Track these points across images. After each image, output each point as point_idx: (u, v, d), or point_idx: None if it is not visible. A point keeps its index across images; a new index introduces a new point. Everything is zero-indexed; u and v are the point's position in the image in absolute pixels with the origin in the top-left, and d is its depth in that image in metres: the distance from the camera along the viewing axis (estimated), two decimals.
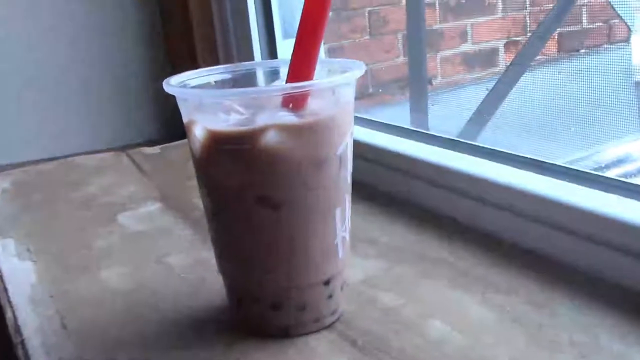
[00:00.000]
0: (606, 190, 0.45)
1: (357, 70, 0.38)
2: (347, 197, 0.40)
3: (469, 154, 0.57)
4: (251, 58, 0.84)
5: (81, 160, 0.83)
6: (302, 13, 0.37)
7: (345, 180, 0.39)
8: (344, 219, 0.39)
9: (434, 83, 1.45)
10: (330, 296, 0.40)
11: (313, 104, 0.37)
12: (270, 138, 0.36)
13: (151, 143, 0.91)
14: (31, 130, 0.99)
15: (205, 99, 0.39)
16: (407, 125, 0.68)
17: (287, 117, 0.36)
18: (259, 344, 0.39)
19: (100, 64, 1.02)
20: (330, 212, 0.38)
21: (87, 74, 1.02)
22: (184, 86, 0.41)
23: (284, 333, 0.39)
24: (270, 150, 0.36)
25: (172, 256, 0.52)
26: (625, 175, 1.13)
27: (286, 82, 0.38)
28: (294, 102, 0.37)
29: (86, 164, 0.81)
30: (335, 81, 0.38)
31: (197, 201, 0.57)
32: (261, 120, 0.36)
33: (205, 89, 0.42)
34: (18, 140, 0.98)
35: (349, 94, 0.39)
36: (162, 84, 0.39)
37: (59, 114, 1.01)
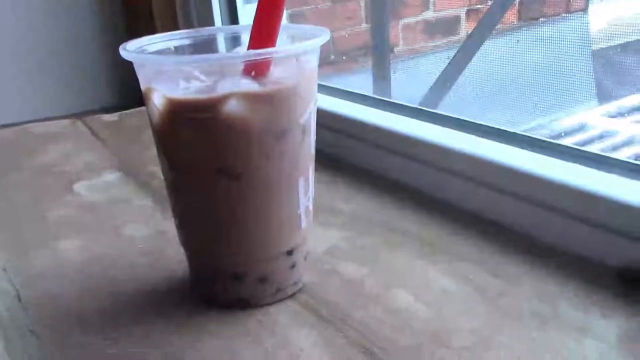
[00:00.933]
0: (566, 159, 0.46)
1: (322, 37, 0.37)
2: (311, 167, 0.39)
3: (432, 122, 0.57)
4: (211, 23, 0.82)
5: (37, 127, 0.80)
6: None
7: (308, 150, 0.38)
8: (307, 188, 0.39)
9: (395, 51, 1.44)
10: (292, 266, 0.39)
11: (276, 72, 0.36)
12: (232, 106, 0.35)
13: (108, 110, 0.88)
14: None
15: (165, 66, 0.38)
16: (369, 93, 0.67)
17: (249, 85, 0.36)
18: (220, 316, 0.38)
19: (56, 28, 0.99)
20: (293, 182, 0.38)
21: (43, 40, 0.98)
22: (142, 52, 0.39)
23: (245, 304, 0.39)
24: (232, 119, 0.35)
25: (131, 227, 0.51)
26: (582, 143, 1.16)
27: (248, 49, 0.37)
28: (256, 70, 0.36)
29: (42, 132, 0.78)
30: (299, 48, 0.37)
31: (156, 170, 0.56)
32: (222, 88, 0.35)
33: (164, 55, 0.40)
34: None
35: (313, 61, 0.38)
36: (118, 50, 0.38)
37: (14, 80, 0.98)
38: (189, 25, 0.86)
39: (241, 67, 0.36)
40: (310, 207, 0.40)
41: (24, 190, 0.61)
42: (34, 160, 0.68)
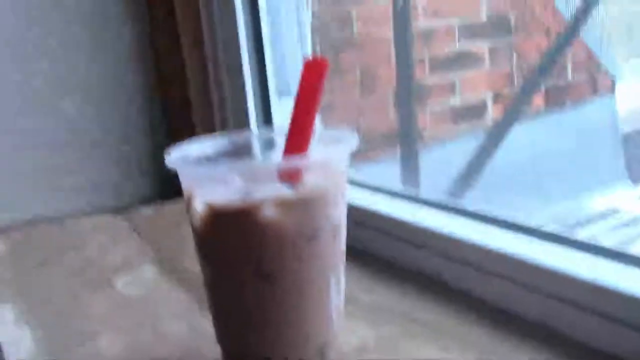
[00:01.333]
0: (586, 252, 0.46)
1: (351, 142, 0.39)
2: (342, 265, 0.41)
3: (458, 216, 0.58)
4: (246, 119, 0.85)
5: (77, 222, 0.83)
6: (298, 88, 0.39)
7: (339, 249, 0.40)
8: (338, 286, 0.40)
9: (423, 136, 1.47)
10: None
11: (308, 177, 0.39)
12: (268, 212, 0.37)
13: (147, 201, 0.91)
14: (28, 188, 0.99)
15: (204, 173, 0.40)
16: (398, 181, 0.69)
17: (284, 191, 0.38)
18: None
19: (98, 125, 1.03)
20: (326, 281, 0.39)
21: (84, 133, 1.02)
22: (184, 157, 0.42)
23: None
24: (268, 224, 0.37)
25: (168, 323, 0.52)
26: (613, 228, 1.15)
27: (284, 154, 0.40)
28: (290, 175, 0.38)
29: (80, 226, 0.81)
30: (329, 156, 0.39)
31: (193, 264, 0.58)
32: (259, 193, 0.38)
33: (204, 161, 0.43)
34: (15, 197, 0.98)
35: (343, 165, 0.40)
36: (155, 143, 0.40)
37: (50, 173, 1.01)
38: (224, 118, 0.90)
39: (276, 173, 0.38)
40: (342, 305, 0.41)
41: (67, 285, 0.63)
42: (75, 255, 0.70)
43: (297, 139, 0.39)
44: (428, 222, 0.57)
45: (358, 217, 0.62)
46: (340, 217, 0.40)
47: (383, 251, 0.61)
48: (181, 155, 0.42)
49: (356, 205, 0.63)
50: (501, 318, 0.47)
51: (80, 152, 1.03)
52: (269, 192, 0.37)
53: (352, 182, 0.70)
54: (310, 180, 0.39)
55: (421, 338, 0.46)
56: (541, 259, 0.47)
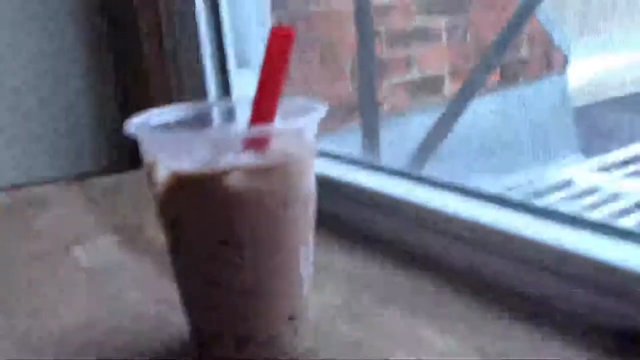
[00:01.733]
0: (554, 221, 0.47)
1: (319, 111, 0.39)
2: (311, 234, 0.40)
3: (420, 184, 0.58)
4: (205, 89, 0.84)
5: (32, 190, 0.81)
6: (265, 55, 0.38)
7: (309, 219, 0.40)
8: (307, 255, 0.40)
9: (381, 110, 1.48)
10: (294, 332, 0.40)
11: (276, 145, 0.38)
12: (233, 180, 0.36)
13: (103, 171, 0.89)
14: None
15: (170, 141, 0.39)
16: (359, 151, 0.69)
17: (250, 159, 0.37)
18: None
19: (54, 94, 1.00)
20: (295, 251, 0.39)
21: (37, 99, 1.00)
22: (145, 125, 0.41)
23: None
24: (234, 192, 0.36)
25: (129, 293, 0.52)
26: (568, 198, 1.18)
27: (250, 122, 0.39)
28: (257, 144, 0.38)
29: (37, 194, 0.79)
30: (299, 123, 0.39)
31: (154, 234, 0.57)
32: (225, 161, 0.37)
33: (166, 129, 0.42)
34: None
35: (311, 134, 0.40)
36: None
37: (8, 140, 0.98)
38: (181, 90, 0.88)
39: (242, 141, 0.38)
40: (311, 273, 0.41)
41: (21, 255, 0.61)
42: (30, 225, 0.69)
43: (264, 108, 0.39)
44: (393, 189, 0.58)
45: (326, 186, 0.62)
46: (309, 186, 0.39)
47: (351, 219, 0.61)
48: (142, 123, 0.41)
49: (323, 174, 0.63)
50: (479, 288, 0.47)
51: (37, 123, 1.00)
52: (236, 160, 0.37)
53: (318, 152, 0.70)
54: (278, 149, 0.38)
55: (392, 307, 0.47)
56: (504, 224, 0.48)
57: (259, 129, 0.37)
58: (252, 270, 0.37)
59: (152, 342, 0.44)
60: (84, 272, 0.57)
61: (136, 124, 0.40)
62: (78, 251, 0.61)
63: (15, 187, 0.84)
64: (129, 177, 0.84)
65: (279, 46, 0.38)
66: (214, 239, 0.37)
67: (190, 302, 0.40)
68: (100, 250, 0.61)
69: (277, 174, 0.37)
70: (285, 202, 0.37)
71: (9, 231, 0.68)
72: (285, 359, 0.40)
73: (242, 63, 0.87)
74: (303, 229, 0.39)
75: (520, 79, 1.60)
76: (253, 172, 0.36)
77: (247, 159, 0.37)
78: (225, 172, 0.36)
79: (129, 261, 0.58)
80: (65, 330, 0.47)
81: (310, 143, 0.39)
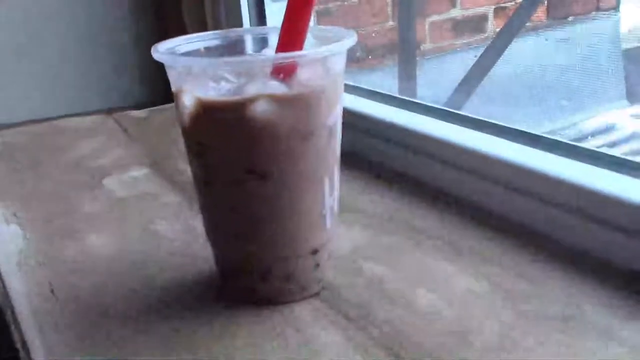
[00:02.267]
0: (594, 163, 0.46)
1: (348, 39, 0.38)
2: (336, 167, 0.40)
3: (457, 123, 0.57)
4: (240, 21, 0.83)
5: (68, 123, 0.82)
6: None
7: (334, 151, 0.39)
8: (332, 189, 0.39)
9: (422, 48, 1.44)
10: (317, 265, 0.40)
11: (303, 74, 0.37)
12: (260, 108, 0.36)
13: (138, 106, 0.90)
14: (19, 92, 0.98)
15: (195, 68, 0.38)
16: (395, 91, 0.67)
17: (277, 87, 0.36)
18: (246, 313, 0.39)
19: (87, 27, 1.01)
20: (319, 183, 0.38)
21: (74, 37, 1.00)
22: (173, 53, 0.40)
23: (270, 301, 0.40)
24: (260, 120, 0.36)
25: (159, 223, 0.52)
26: (611, 145, 1.14)
27: (276, 51, 0.38)
28: (284, 72, 0.37)
29: (73, 127, 0.80)
30: (326, 51, 0.37)
31: (185, 167, 0.57)
32: (251, 89, 0.36)
33: (194, 56, 0.41)
34: (5, 101, 0.97)
35: (340, 64, 0.39)
36: (149, 48, 0.38)
37: (46, 76, 0.99)
38: (217, 22, 0.87)
39: (269, 69, 0.37)
40: (335, 208, 0.40)
41: (57, 184, 0.62)
42: (66, 155, 0.70)
43: (291, 37, 0.37)
44: (425, 127, 0.56)
45: (365, 125, 0.61)
46: (336, 118, 0.38)
47: (384, 158, 0.60)
48: (169, 49, 0.40)
49: (361, 112, 0.62)
50: (514, 230, 0.47)
51: (72, 57, 1.01)
52: (262, 88, 0.36)
53: (357, 89, 0.69)
54: (306, 78, 0.37)
55: (419, 245, 0.46)
56: (542, 166, 0.47)
57: (284, 56, 0.36)
58: (276, 200, 0.37)
59: (179, 272, 0.45)
60: (117, 202, 0.57)
61: (163, 49, 0.39)
62: (111, 181, 0.62)
63: (52, 119, 0.85)
64: (162, 110, 0.84)
65: None
66: (239, 167, 0.37)
67: (215, 230, 0.41)
68: (133, 180, 0.62)
69: (302, 103, 0.36)
70: (310, 132, 0.37)
71: (45, 161, 0.69)
72: (307, 293, 0.40)
73: None
74: (327, 160, 0.38)
75: (569, 18, 1.53)
76: (278, 100, 0.36)
77: (273, 87, 0.36)
78: (249, 100, 0.35)
79: (161, 192, 0.59)
80: (98, 257, 0.48)
81: (337, 73, 0.38)
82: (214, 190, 0.39)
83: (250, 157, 0.36)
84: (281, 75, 0.37)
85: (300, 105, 0.36)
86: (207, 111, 0.37)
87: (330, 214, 0.40)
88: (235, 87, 0.37)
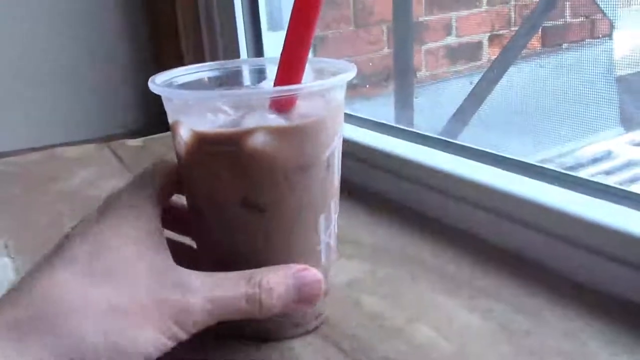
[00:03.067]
0: (594, 195, 0.46)
1: (348, 72, 0.37)
2: (334, 202, 0.39)
3: (453, 153, 0.57)
4: (237, 51, 0.83)
5: (63, 151, 0.82)
6: (291, 14, 0.37)
7: (331, 185, 0.39)
8: (329, 224, 0.39)
9: (418, 75, 1.45)
10: None
11: (302, 106, 0.37)
12: (258, 140, 0.35)
13: (134, 133, 0.89)
14: (13, 120, 0.98)
15: (192, 100, 0.38)
16: (391, 119, 0.67)
17: (275, 120, 0.36)
18: (241, 348, 0.38)
19: (84, 54, 1.01)
20: (315, 218, 0.38)
21: (70, 64, 1.00)
22: (170, 84, 0.40)
23: (266, 337, 0.39)
24: (257, 153, 0.35)
25: None
26: (607, 172, 1.14)
27: (275, 83, 0.38)
28: (282, 104, 0.36)
29: (67, 156, 0.80)
30: (325, 84, 0.37)
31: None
32: (249, 121, 0.36)
33: (192, 89, 0.41)
34: (4, 128, 0.97)
35: (339, 96, 0.38)
36: (145, 75, 0.38)
37: (42, 103, 0.99)
38: (214, 52, 0.87)
39: (268, 101, 0.37)
40: (332, 244, 0.40)
41: (50, 215, 0.61)
42: (60, 185, 0.69)
43: (289, 70, 0.37)
44: (423, 157, 0.56)
45: (363, 155, 0.61)
46: (335, 150, 0.38)
47: (381, 188, 0.60)
48: (166, 81, 0.40)
49: (358, 141, 0.62)
50: (512, 262, 0.46)
51: (67, 85, 1.01)
52: (260, 121, 0.36)
53: (353, 118, 0.69)
54: (304, 110, 0.37)
55: (418, 279, 0.46)
56: (540, 196, 0.46)
57: (282, 89, 0.36)
58: (270, 233, 0.37)
59: None
60: None
61: (160, 81, 0.39)
62: None
63: (45, 147, 0.85)
64: (159, 139, 0.84)
65: (306, 5, 0.36)
66: (235, 198, 0.36)
67: (208, 265, 0.40)
68: None
69: (300, 135, 0.36)
70: (308, 164, 0.36)
71: (38, 190, 0.68)
72: (303, 329, 0.39)
73: (275, 26, 0.85)
74: (325, 194, 0.38)
75: (563, 45, 1.54)
76: (275, 133, 0.35)
77: (270, 119, 0.36)
78: (247, 133, 0.35)
79: None
80: None
81: (336, 105, 0.38)
82: (207, 222, 0.38)
83: (246, 190, 0.36)
84: (280, 108, 0.36)
85: (298, 138, 0.36)
86: (204, 144, 0.36)
87: (325, 249, 0.39)
88: (232, 120, 0.36)
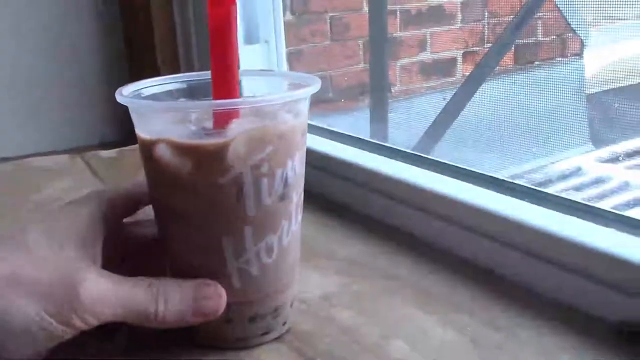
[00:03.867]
0: (560, 210, 0.46)
1: (313, 87, 0.38)
2: (251, 229, 0.37)
3: (427, 168, 0.57)
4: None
5: (34, 162, 0.80)
6: (209, 29, 0.37)
7: (243, 211, 0.36)
8: (240, 251, 0.37)
9: (392, 91, 1.46)
10: (228, 321, 0.39)
11: (243, 126, 0.36)
12: (160, 151, 0.36)
13: (107, 145, 0.89)
14: None
15: (140, 109, 0.39)
16: (367, 133, 0.68)
17: (181, 133, 0.36)
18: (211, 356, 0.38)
19: (56, 63, 1.00)
20: (218, 240, 0.37)
21: (42, 73, 0.99)
22: (137, 96, 0.40)
23: (219, 345, 0.40)
24: (161, 164, 0.37)
25: None
26: (576, 188, 1.16)
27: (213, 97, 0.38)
28: (219, 120, 0.37)
29: (39, 167, 0.79)
30: (264, 101, 0.37)
31: None
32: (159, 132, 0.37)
33: (158, 100, 0.41)
34: None
35: (288, 112, 0.38)
36: (118, 83, 0.39)
37: (12, 113, 0.98)
38: (190, 64, 0.87)
39: (193, 115, 0.37)
40: (252, 271, 0.38)
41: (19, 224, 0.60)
42: (32, 196, 0.68)
43: (219, 83, 0.37)
44: (397, 172, 0.57)
45: (338, 169, 0.61)
46: (248, 177, 0.36)
47: (353, 201, 0.60)
48: (134, 92, 0.40)
49: (338, 157, 0.62)
50: (485, 278, 0.47)
51: (38, 94, 1.00)
52: (163, 132, 0.36)
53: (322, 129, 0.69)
54: (235, 127, 0.36)
55: (392, 294, 0.46)
56: (511, 212, 0.47)
57: (201, 104, 0.38)
58: (183, 244, 0.38)
59: None
60: None
61: (128, 92, 0.39)
62: None
63: (20, 157, 0.84)
64: (133, 150, 0.83)
65: (219, 15, 0.36)
66: (166, 212, 0.39)
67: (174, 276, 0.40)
68: None
69: (194, 155, 0.36)
70: (209, 184, 0.36)
71: (14, 202, 0.67)
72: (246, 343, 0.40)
73: (250, 39, 0.85)
74: (229, 218, 0.37)
75: (535, 63, 1.57)
76: (176, 147, 0.36)
77: (175, 132, 0.36)
78: (153, 143, 0.37)
79: None
80: None
81: (283, 122, 0.37)
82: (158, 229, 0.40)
83: (166, 202, 0.38)
84: (218, 123, 0.37)
85: (194, 157, 0.36)
86: (141, 150, 0.39)
87: (238, 274, 0.38)
88: (162, 129, 0.37)
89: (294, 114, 0.38)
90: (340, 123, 0.73)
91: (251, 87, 0.44)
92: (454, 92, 1.24)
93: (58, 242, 0.35)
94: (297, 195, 0.39)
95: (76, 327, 0.34)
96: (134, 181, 0.41)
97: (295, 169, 0.38)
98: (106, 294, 0.34)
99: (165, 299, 0.36)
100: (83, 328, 0.34)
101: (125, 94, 0.38)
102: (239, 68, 0.38)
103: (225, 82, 0.37)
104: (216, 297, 0.37)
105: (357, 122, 1.30)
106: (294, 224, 0.39)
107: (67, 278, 0.34)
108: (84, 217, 0.37)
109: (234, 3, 0.36)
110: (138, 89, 0.40)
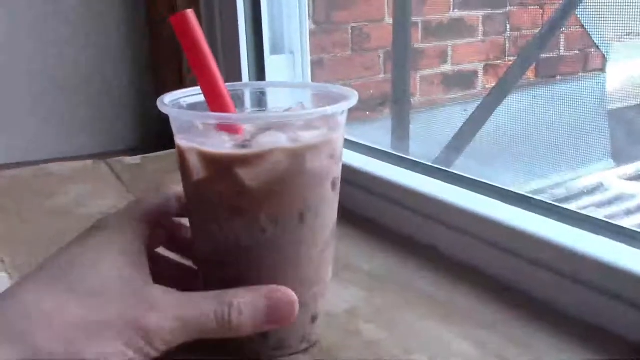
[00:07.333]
0: (590, 230, 0.46)
1: (350, 100, 0.38)
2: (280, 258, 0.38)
3: (450, 182, 0.57)
4: (239, 73, 0.83)
5: (58, 167, 0.81)
6: (183, 48, 0.38)
7: (321, 230, 0.39)
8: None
9: (412, 102, 1.46)
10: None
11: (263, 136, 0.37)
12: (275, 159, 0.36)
13: (129, 151, 0.90)
14: (8, 134, 0.98)
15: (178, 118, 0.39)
16: (388, 145, 0.68)
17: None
18: None
19: (82, 70, 1.01)
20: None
21: (68, 79, 1.00)
22: (178, 104, 0.40)
23: (248, 357, 0.39)
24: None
25: None
26: (598, 205, 1.15)
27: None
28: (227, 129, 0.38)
29: (64, 171, 0.80)
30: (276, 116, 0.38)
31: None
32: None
33: (187, 108, 0.41)
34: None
35: (303, 127, 0.38)
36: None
37: (38, 118, 0.99)
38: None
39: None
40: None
41: (45, 231, 0.61)
42: (55, 201, 0.69)
43: (207, 94, 0.38)
44: (419, 185, 0.57)
45: (361, 181, 0.61)
46: (321, 200, 0.38)
47: (377, 215, 0.60)
48: (173, 101, 0.40)
49: (361, 170, 0.62)
50: (506, 293, 0.47)
51: (64, 99, 1.01)
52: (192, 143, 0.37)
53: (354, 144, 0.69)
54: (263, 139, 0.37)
55: (419, 308, 0.46)
56: (533, 227, 0.47)
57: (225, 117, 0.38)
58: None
59: None
60: None
61: (168, 101, 0.40)
62: None
63: (45, 162, 0.85)
64: (157, 157, 0.84)
65: (185, 32, 0.37)
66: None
67: (214, 283, 0.40)
68: None
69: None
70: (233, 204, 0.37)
71: (34, 207, 0.68)
72: (287, 351, 0.40)
73: (277, 50, 0.86)
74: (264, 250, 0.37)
75: (557, 77, 1.56)
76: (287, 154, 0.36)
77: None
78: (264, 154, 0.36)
79: None
80: None
81: (303, 138, 0.37)
82: (201, 231, 0.40)
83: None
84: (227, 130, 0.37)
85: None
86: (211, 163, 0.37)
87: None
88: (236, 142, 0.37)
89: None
90: (360, 133, 0.73)
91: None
92: (476, 105, 1.24)
93: (111, 266, 0.35)
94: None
95: (155, 354, 0.34)
96: (163, 195, 0.41)
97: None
98: (182, 317, 0.34)
99: (239, 310, 0.35)
100: (161, 352, 0.34)
101: (166, 102, 0.39)
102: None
103: (212, 93, 0.38)
104: (289, 304, 0.37)
105: (377, 133, 1.30)
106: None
107: (138, 308, 0.34)
108: (130, 228, 0.37)
109: (191, 17, 0.37)
110: (177, 99, 0.41)
